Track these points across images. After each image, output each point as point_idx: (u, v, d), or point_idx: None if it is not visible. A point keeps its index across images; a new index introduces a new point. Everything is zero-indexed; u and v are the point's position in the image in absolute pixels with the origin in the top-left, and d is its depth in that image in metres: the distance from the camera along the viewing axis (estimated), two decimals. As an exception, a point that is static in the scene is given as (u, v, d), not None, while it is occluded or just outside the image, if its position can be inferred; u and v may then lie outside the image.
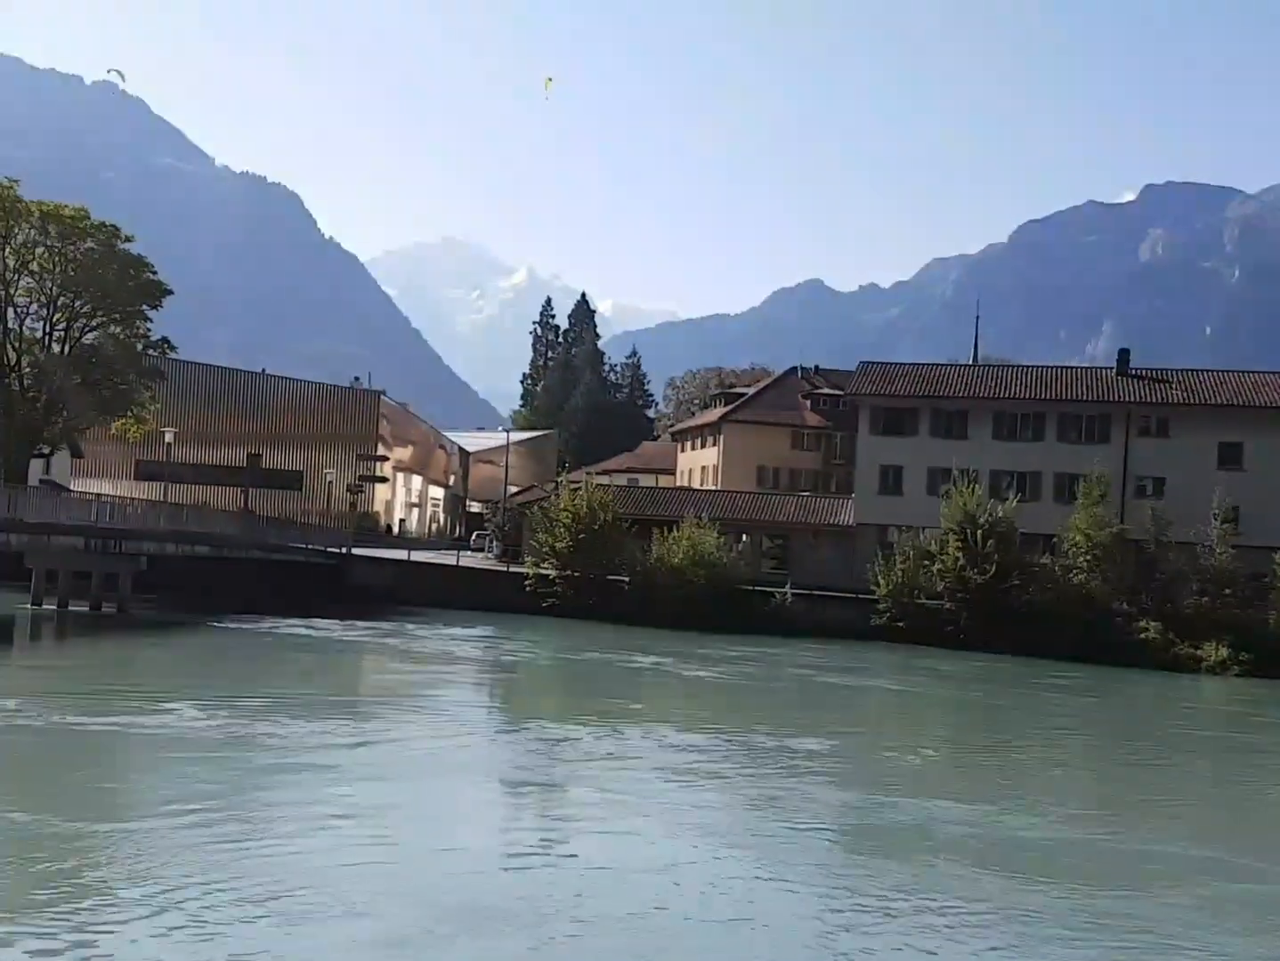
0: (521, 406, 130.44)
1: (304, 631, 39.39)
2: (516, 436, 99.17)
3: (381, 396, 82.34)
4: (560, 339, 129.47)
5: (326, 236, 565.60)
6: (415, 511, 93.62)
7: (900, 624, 46.74)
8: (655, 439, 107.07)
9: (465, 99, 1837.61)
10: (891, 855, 15.74)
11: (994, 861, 15.49)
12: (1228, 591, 45.13)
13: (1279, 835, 19.48)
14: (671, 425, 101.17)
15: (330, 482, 71.88)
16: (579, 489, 52.65)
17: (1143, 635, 44.22)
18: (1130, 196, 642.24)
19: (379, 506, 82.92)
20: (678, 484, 77.50)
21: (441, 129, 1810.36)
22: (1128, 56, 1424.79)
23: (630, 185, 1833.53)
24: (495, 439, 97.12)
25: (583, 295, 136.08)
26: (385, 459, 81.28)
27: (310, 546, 54.81)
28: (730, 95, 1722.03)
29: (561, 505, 51.45)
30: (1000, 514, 47.79)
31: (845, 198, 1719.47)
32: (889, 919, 12.89)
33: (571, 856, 14.70)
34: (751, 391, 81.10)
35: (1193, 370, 59.87)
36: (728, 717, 27.38)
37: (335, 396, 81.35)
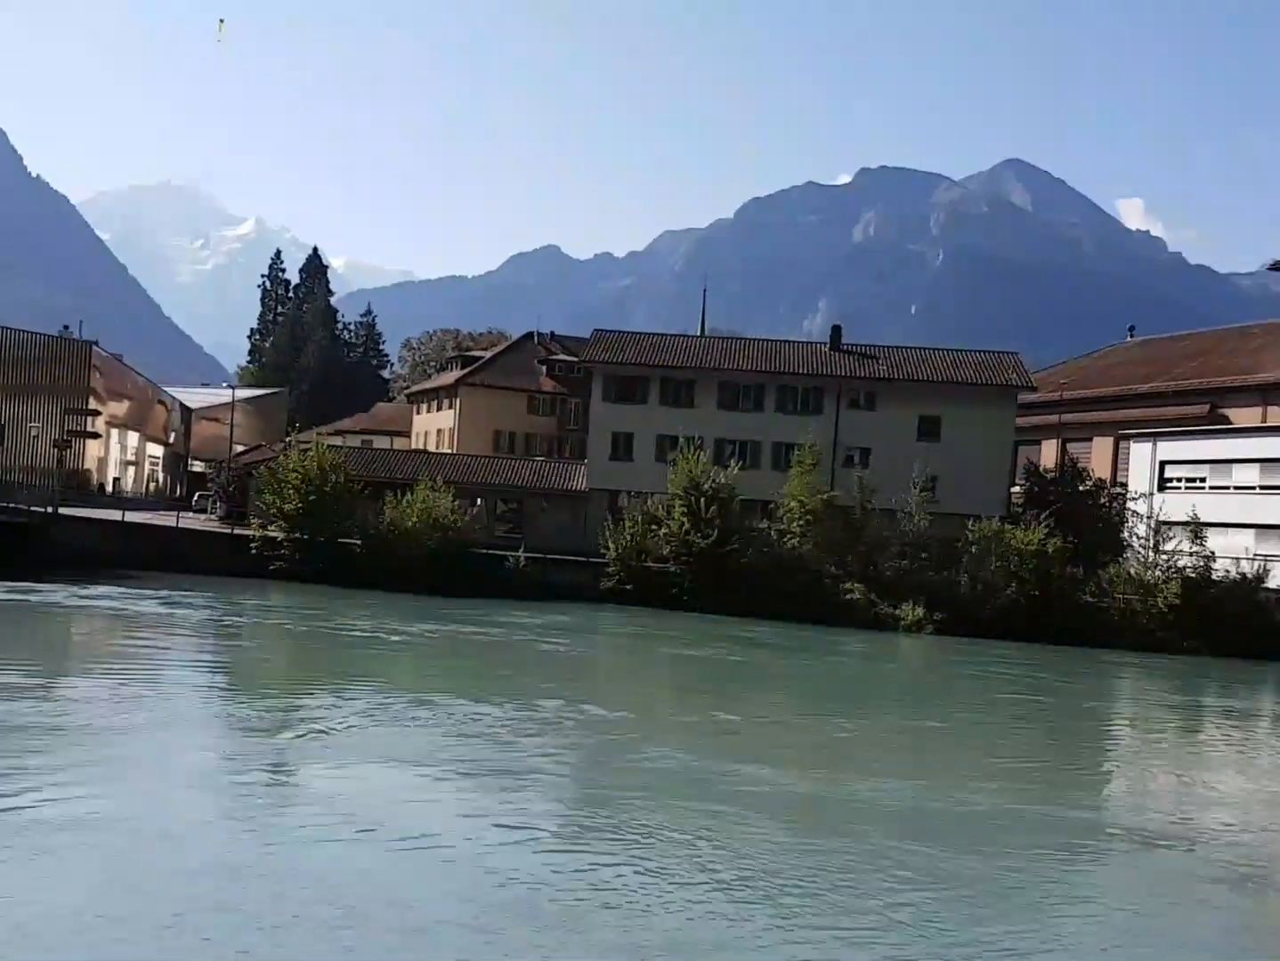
0: (249, 363, 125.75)
1: (-3, 596, 36.93)
2: (243, 394, 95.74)
3: (93, 347, 77.67)
4: (291, 294, 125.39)
5: (33, 175, 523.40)
6: (132, 470, 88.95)
7: (629, 586, 48.35)
8: (390, 400, 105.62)
9: (186, 36, 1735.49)
10: (610, 807, 16.73)
11: (707, 800, 16.73)
12: (924, 555, 48.85)
13: (942, 766, 21.72)
14: (407, 387, 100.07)
15: (35, 438, 67.48)
16: (309, 449, 51.64)
17: (849, 596, 47.31)
18: (846, 179, 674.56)
19: (91, 464, 78.36)
20: (413, 446, 77.00)
21: (160, 65, 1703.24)
22: (845, 44, 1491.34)
23: (365, 141, 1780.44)
24: (220, 396, 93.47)
25: (315, 250, 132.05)
26: (97, 413, 76.80)
27: (10, 505, 51.43)
28: (473, 54, 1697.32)
29: (290, 466, 50.36)
30: (723, 481, 50.05)
31: (582, 167, 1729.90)
32: (617, 875, 13.80)
33: (296, 829, 14.91)
34: (488, 355, 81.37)
35: (898, 347, 64.18)
36: (457, 681, 27.86)
37: (41, 346, 76.01)
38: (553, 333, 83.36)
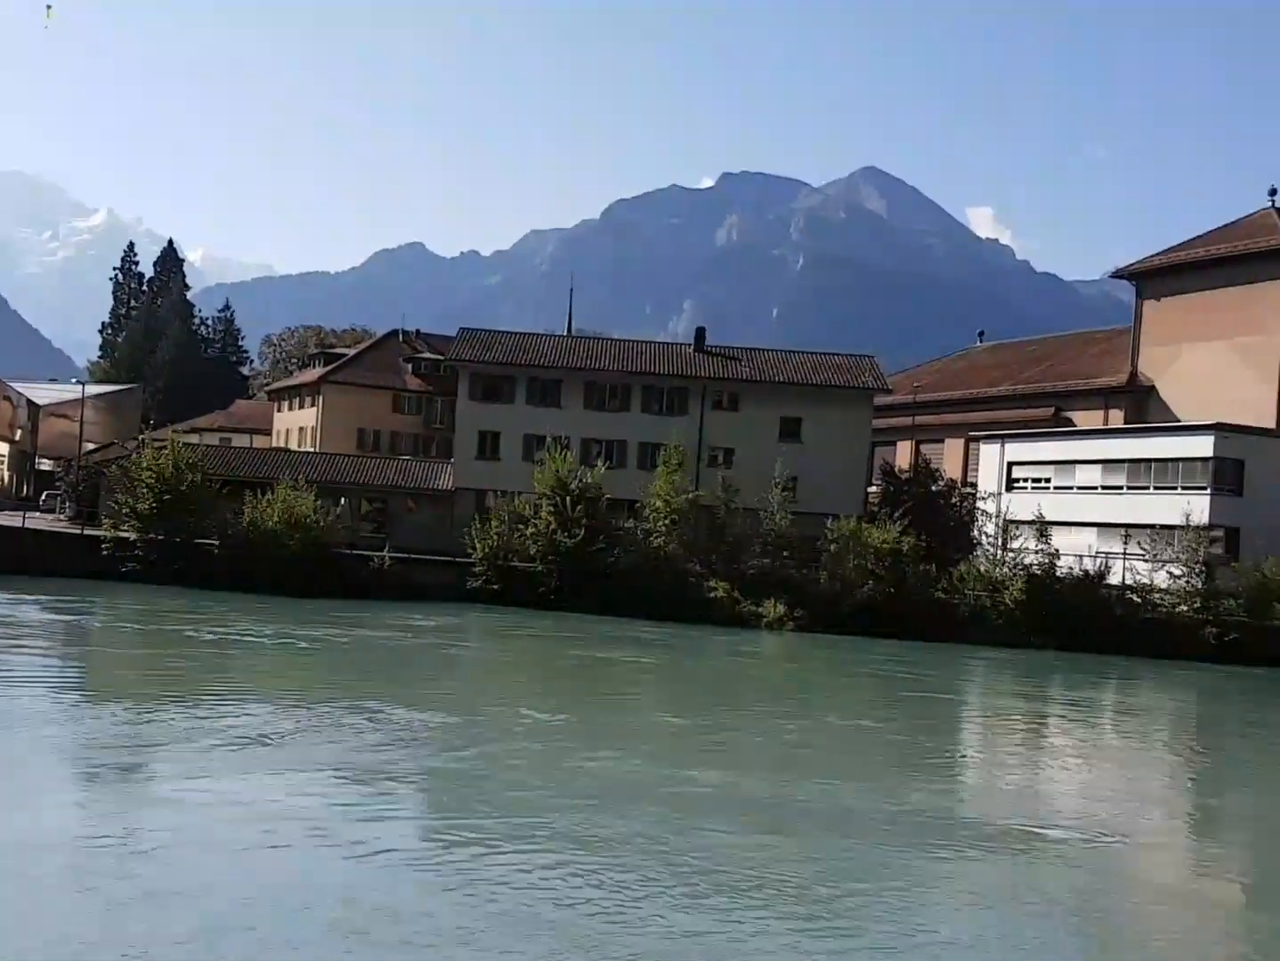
0: (101, 358, 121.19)
1: None
2: (94, 390, 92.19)
3: (-69, 341, 74.10)
4: (145, 288, 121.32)
5: None
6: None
7: (496, 586, 48.29)
8: (250, 397, 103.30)
9: (17, 21, 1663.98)
10: (484, 810, 16.88)
11: (570, 795, 17.02)
12: (786, 554, 49.92)
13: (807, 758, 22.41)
14: (268, 384, 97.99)
15: None
16: (164, 447, 50.28)
17: (712, 594, 48.06)
18: (709, 182, 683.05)
19: (-72, 463, 74.77)
20: (274, 444, 75.43)
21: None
22: (706, 48, 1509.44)
23: (222, 131, 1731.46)
24: (70, 392, 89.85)
25: (170, 242, 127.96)
26: (-64, 410, 73.35)
27: None
28: (331, 43, 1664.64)
29: (144, 464, 48.97)
30: (590, 480, 50.37)
31: (448, 164, 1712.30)
32: (486, 874, 13.98)
33: (149, 836, 14.72)
34: (352, 352, 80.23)
35: (760, 349, 65.41)
36: (314, 685, 27.49)
37: (-127, 339, 72.21)
38: (418, 330, 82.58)
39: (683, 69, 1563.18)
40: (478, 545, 48.92)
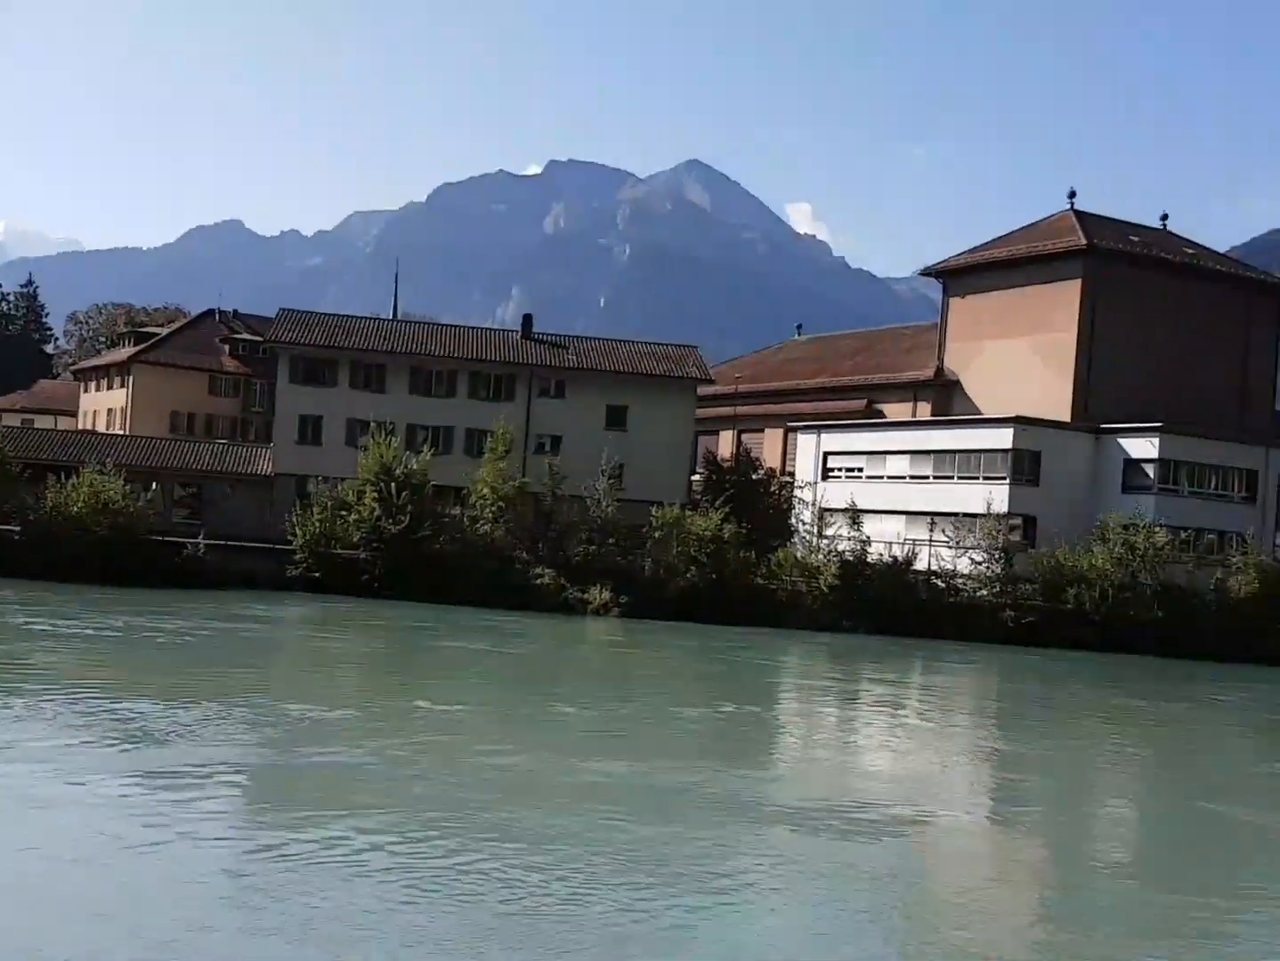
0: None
1: None
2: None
3: None
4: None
5: None
6: None
7: (317, 574, 47.46)
8: (55, 377, 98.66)
9: None
10: (304, 805, 16.81)
11: (386, 792, 17.11)
12: (612, 541, 50.57)
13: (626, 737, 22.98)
14: (74, 363, 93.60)
15: None
16: (-39, 429, 47.65)
17: (539, 581, 48.33)
18: (536, 170, 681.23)
19: None
20: (80, 426, 72.25)
21: None
22: (534, 36, 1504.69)
23: (24, 92, 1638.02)
24: None
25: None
26: None
27: None
28: (145, 9, 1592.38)
29: (-61, 447, 46.36)
30: (415, 466, 49.97)
31: (268, 139, 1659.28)
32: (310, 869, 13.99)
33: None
34: (165, 332, 77.45)
35: (587, 338, 65.95)
36: (114, 678, 26.63)
37: None
38: (236, 311, 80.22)
39: (510, 55, 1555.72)
40: (298, 532, 47.99)
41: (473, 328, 66.74)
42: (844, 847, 15.63)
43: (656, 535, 50.07)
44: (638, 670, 36.20)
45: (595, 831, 15.28)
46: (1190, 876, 16.18)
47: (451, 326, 66.45)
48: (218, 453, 57.49)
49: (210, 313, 79.09)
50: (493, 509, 50.71)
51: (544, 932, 11.52)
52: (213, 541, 48.12)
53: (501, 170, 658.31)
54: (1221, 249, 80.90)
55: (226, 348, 73.44)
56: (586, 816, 16.02)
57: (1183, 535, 52.69)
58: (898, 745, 25.79)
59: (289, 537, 48.08)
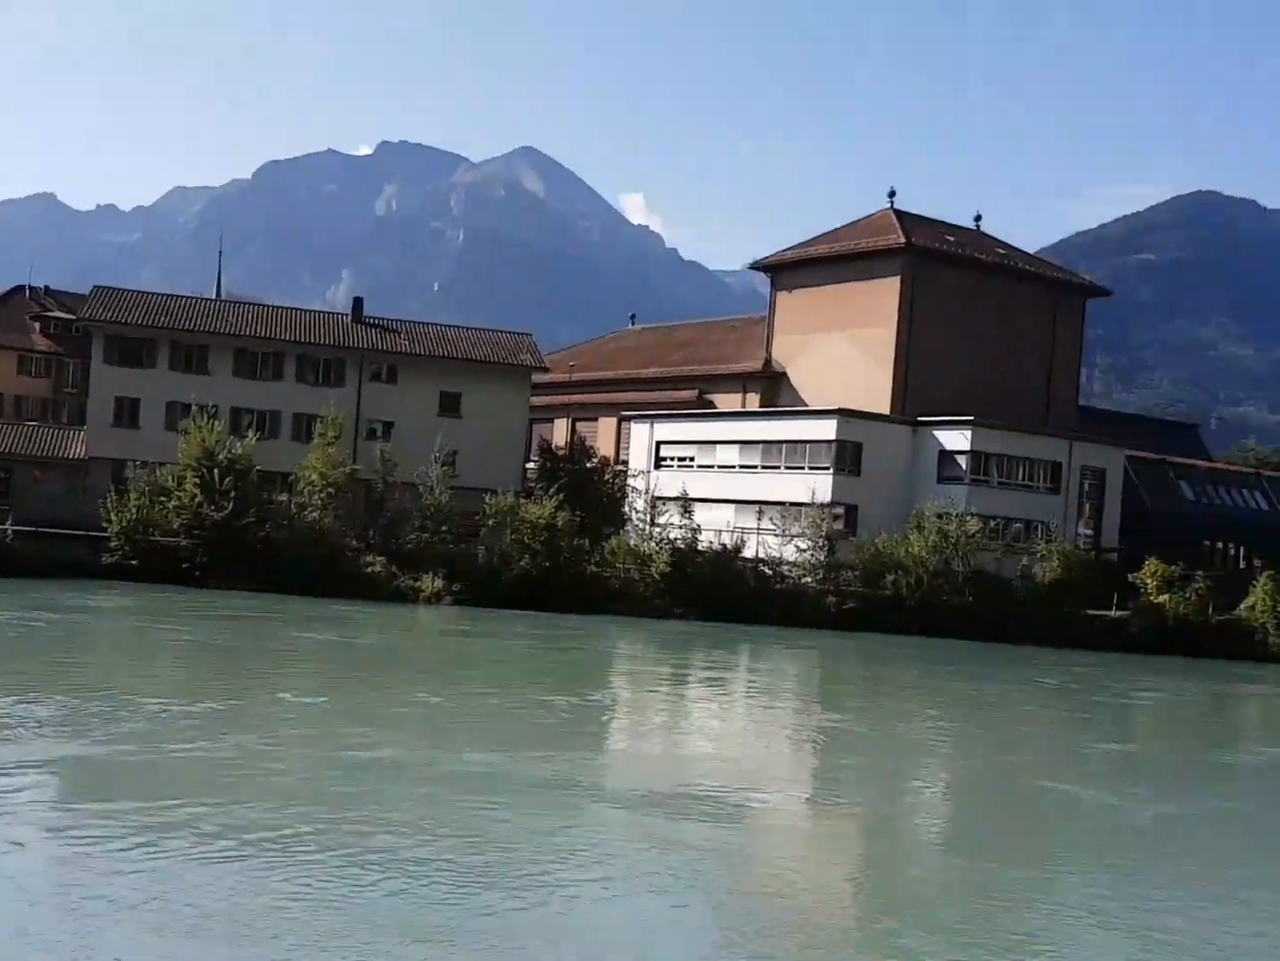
0: None
1: None
2: None
3: None
4: None
5: None
6: None
7: (134, 562, 45.80)
8: None
9: None
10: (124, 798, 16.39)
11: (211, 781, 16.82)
12: (445, 528, 50.23)
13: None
14: None
15: None
16: None
17: (370, 569, 47.66)
18: (367, 150, 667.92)
19: None
20: None
21: None
22: (361, 12, 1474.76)
23: None
24: None
25: None
26: None
27: None
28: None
29: None
30: (240, 451, 48.67)
31: (81, 109, 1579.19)
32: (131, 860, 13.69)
33: None
34: (-34, 308, 73.27)
35: (420, 323, 65.23)
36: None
37: None
38: (47, 287, 76.61)
39: (340, 31, 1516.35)
40: (114, 518, 46.21)
41: (301, 309, 65.16)
42: (674, 828, 16.02)
43: (490, 523, 49.98)
44: (471, 659, 36.15)
45: (445, 817, 15.34)
46: (1004, 846, 17.11)
47: (279, 308, 64.78)
48: (27, 435, 54.82)
49: (20, 289, 75.28)
50: (321, 495, 49.78)
51: (382, 919, 11.57)
52: (22, 527, 45.93)
53: (331, 149, 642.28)
54: (1031, 250, 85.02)
55: (37, 326, 70.05)
56: (443, 805, 16.04)
57: (992, 524, 55.33)
58: (726, 728, 26.50)
59: (104, 524, 46.25)
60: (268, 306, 66.92)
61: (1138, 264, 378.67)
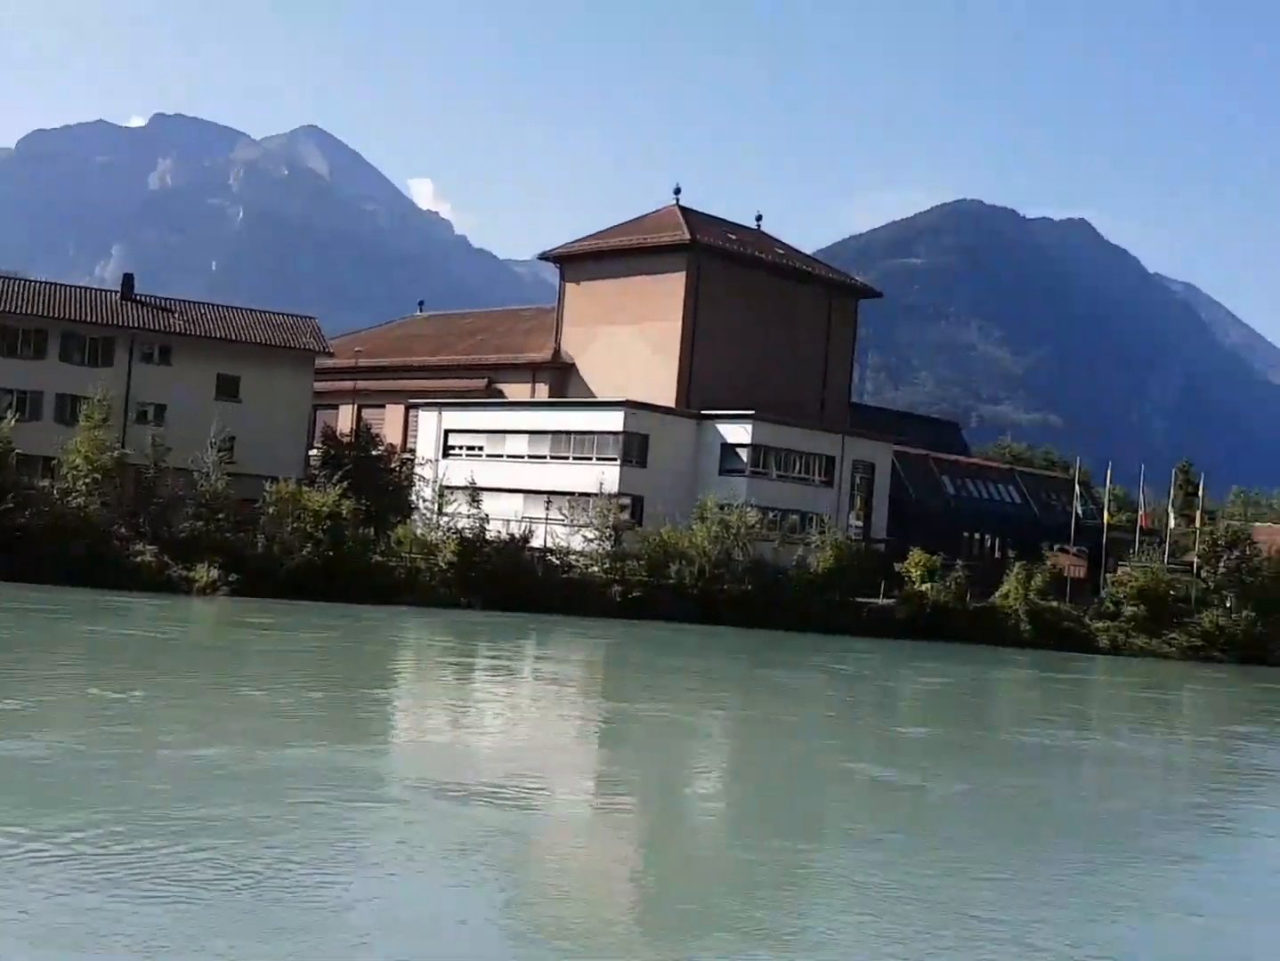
0: None
1: None
2: None
3: None
4: None
5: None
6: None
7: (-127, 549, 42.56)
8: None
9: None
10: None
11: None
12: (221, 516, 48.60)
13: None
14: None
15: None
16: None
17: (139, 558, 45.64)
18: (140, 121, 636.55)
19: None
20: None
21: None
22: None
23: None
24: None
25: None
26: None
27: None
28: None
29: None
30: (-2, 434, 45.92)
31: None
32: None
33: None
34: None
35: (197, 302, 62.85)
36: None
37: None
38: None
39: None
40: None
41: (67, 285, 61.67)
42: (462, 818, 16.03)
43: (270, 511, 48.68)
44: (246, 652, 35.13)
45: (272, 814, 15.03)
46: (792, 825, 17.74)
47: (42, 283, 61.20)
48: None
49: None
50: (87, 481, 47.40)
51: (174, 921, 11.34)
52: None
53: (102, 119, 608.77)
54: (808, 251, 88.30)
55: None
56: (271, 801, 15.67)
57: (771, 515, 57.36)
58: (513, 718, 26.66)
59: None
60: (29, 281, 63.14)
61: (906, 268, 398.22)
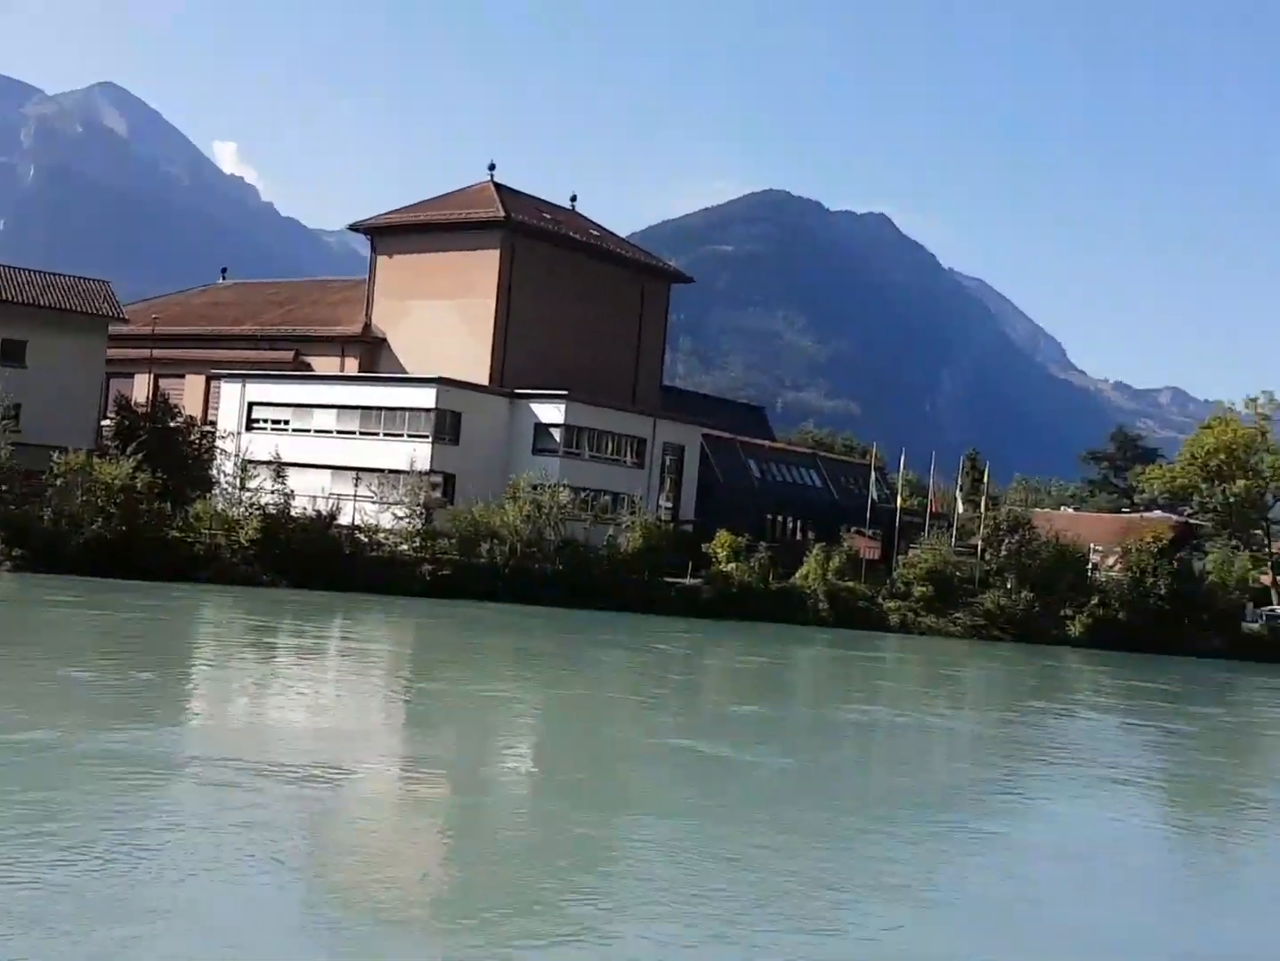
0: None
1: None
2: None
3: None
4: None
5: None
6: None
7: None
8: None
9: None
10: None
11: None
12: (4, 488, 46.07)
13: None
14: None
15: None
16: None
17: (-88, 531, 42.94)
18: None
19: None
20: None
21: None
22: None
23: None
24: None
25: None
26: None
27: None
28: None
29: None
30: None
31: None
32: None
33: None
34: None
35: (-18, 264, 59.06)
36: None
37: None
38: None
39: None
40: None
41: None
42: (258, 801, 15.67)
43: (58, 483, 46.36)
44: (30, 630, 33.48)
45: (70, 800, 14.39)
46: (610, 800, 18.12)
47: None
48: None
49: None
50: None
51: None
52: None
53: None
54: (623, 235, 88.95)
55: None
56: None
57: (583, 495, 57.77)
58: (318, 698, 26.22)
59: None
60: None
61: (716, 255, 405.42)
